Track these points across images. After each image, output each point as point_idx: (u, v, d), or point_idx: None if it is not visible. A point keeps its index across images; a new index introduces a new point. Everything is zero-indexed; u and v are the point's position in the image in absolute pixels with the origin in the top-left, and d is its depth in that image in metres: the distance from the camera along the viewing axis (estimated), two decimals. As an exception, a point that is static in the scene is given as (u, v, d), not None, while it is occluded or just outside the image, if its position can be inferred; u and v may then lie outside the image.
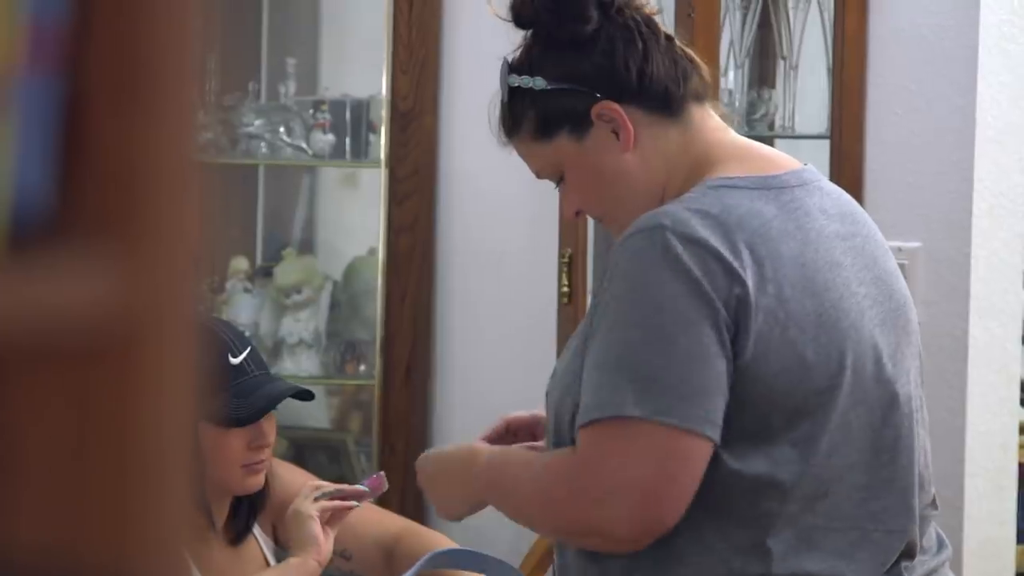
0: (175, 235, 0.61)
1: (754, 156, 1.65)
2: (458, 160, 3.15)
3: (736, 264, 1.50)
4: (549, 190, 1.72)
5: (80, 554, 0.53)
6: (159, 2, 0.60)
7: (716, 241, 1.50)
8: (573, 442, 1.56)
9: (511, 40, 1.66)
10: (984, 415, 2.66)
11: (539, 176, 1.68)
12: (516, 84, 1.62)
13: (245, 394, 1.98)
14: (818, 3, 2.84)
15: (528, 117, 1.62)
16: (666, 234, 1.50)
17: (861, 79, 2.74)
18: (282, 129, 3.37)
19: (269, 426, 2.01)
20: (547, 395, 1.64)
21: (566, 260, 2.89)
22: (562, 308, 2.90)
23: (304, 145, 3.37)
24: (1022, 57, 2.69)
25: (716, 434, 1.50)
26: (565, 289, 2.89)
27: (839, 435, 1.56)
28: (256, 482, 2.01)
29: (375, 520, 2.16)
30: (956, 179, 2.66)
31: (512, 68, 1.63)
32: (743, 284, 1.50)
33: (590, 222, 2.58)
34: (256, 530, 2.09)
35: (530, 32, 1.64)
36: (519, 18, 1.64)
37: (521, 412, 1.79)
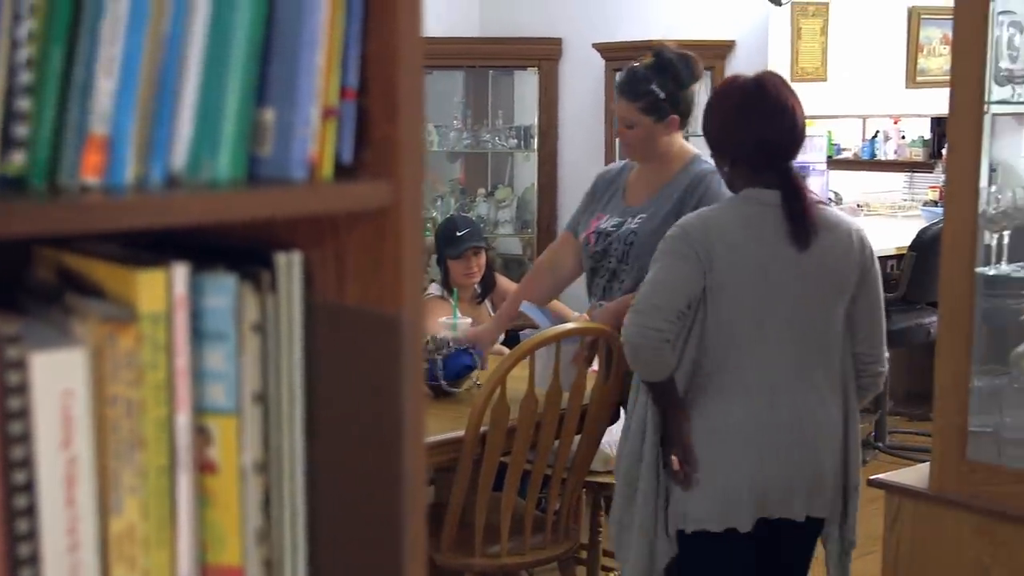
0: (410, 176, 1.34)
1: None
2: None
3: None
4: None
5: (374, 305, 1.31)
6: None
7: None
8: None
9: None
10: None
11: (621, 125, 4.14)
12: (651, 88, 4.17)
13: (455, 246, 4.94)
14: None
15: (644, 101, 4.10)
16: None
17: None
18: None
19: (476, 260, 5.04)
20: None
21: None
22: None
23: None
24: None
25: None
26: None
27: None
28: (471, 282, 5.13)
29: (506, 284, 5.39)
30: None
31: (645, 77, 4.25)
32: None
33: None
34: (486, 301, 5.26)
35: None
36: None
37: None
